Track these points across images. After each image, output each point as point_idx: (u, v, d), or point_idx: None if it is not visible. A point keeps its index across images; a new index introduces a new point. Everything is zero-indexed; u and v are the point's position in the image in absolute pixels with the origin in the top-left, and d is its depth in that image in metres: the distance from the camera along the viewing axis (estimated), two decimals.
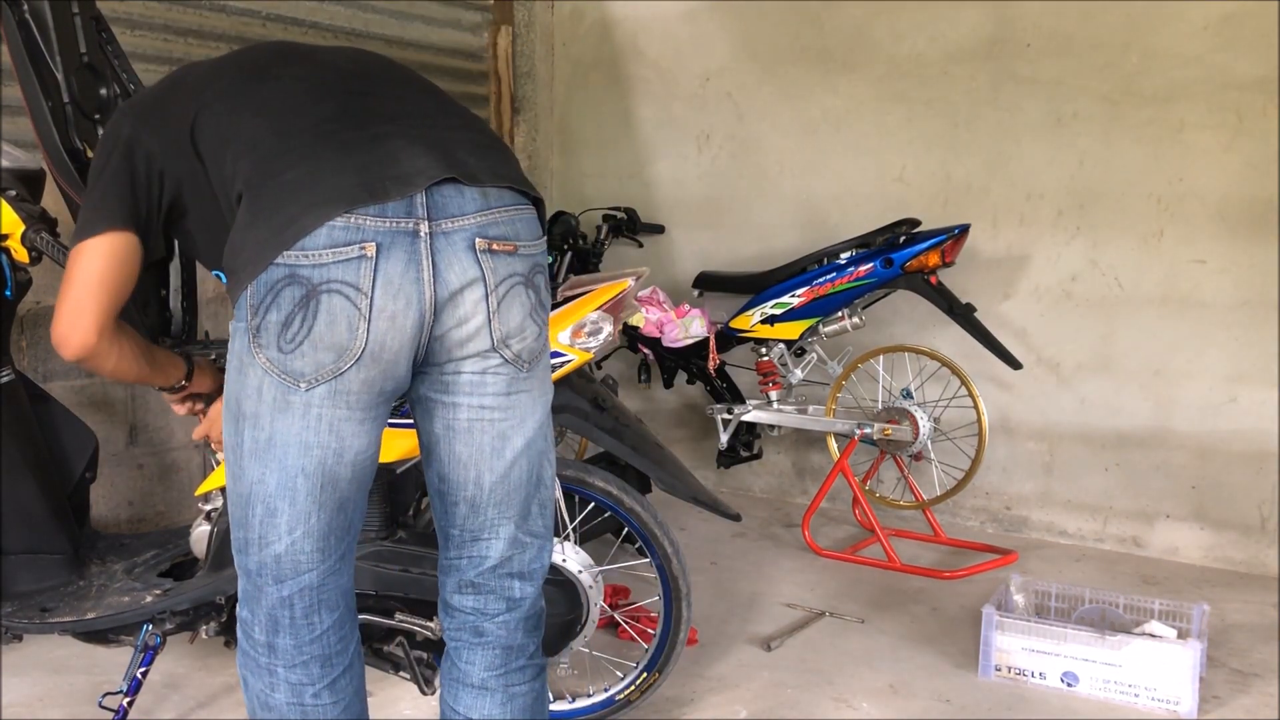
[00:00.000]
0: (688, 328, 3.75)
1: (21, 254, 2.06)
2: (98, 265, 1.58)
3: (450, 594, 1.63)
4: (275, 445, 1.43)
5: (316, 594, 1.51)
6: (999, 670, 2.63)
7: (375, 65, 1.66)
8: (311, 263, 1.37)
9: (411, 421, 1.98)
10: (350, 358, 1.40)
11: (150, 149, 1.60)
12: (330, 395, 1.41)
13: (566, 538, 2.16)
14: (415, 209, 1.40)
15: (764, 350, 3.74)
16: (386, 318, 1.40)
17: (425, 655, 2.17)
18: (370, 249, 1.38)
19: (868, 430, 3.52)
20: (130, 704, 2.17)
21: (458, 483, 1.56)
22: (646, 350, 3.94)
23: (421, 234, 1.40)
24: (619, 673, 2.31)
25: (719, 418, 3.81)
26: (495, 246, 1.46)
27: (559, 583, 2.10)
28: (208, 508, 2.22)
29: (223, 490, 2.16)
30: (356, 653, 1.61)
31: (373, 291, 1.38)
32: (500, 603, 1.62)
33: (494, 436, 1.53)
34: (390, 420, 1.98)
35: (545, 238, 1.57)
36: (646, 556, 2.20)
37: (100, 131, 2.26)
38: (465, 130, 1.56)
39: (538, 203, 1.58)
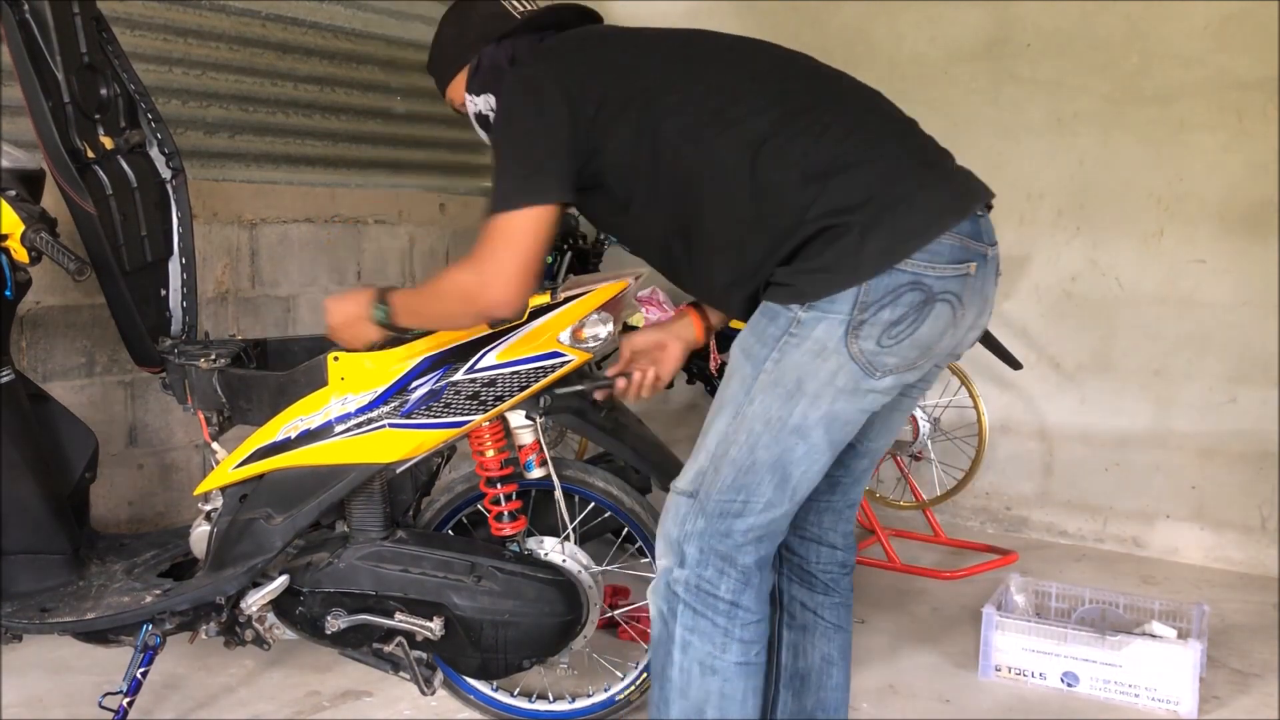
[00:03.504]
0: None
1: (21, 254, 2.06)
2: (543, 236, 1.63)
3: (826, 530, 1.90)
4: (824, 422, 1.60)
5: (778, 555, 1.77)
6: (999, 670, 2.63)
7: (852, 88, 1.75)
8: (936, 274, 1.54)
9: (414, 422, 1.99)
10: (930, 357, 1.61)
11: (591, 122, 1.63)
12: (893, 385, 1.61)
13: (566, 538, 2.16)
14: (984, 234, 1.63)
15: None
16: (966, 327, 1.64)
17: (425, 655, 2.17)
18: (973, 268, 1.59)
19: None
20: (130, 704, 2.17)
21: (875, 446, 1.84)
22: None
23: (989, 256, 1.63)
24: (619, 673, 2.31)
25: None
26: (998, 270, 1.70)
27: (558, 583, 2.10)
28: (208, 508, 2.22)
29: (222, 490, 2.17)
30: None
31: (967, 305, 1.60)
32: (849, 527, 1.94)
33: (902, 412, 1.82)
34: (393, 421, 2.00)
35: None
36: (646, 557, 2.20)
37: (102, 131, 2.26)
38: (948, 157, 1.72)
39: None
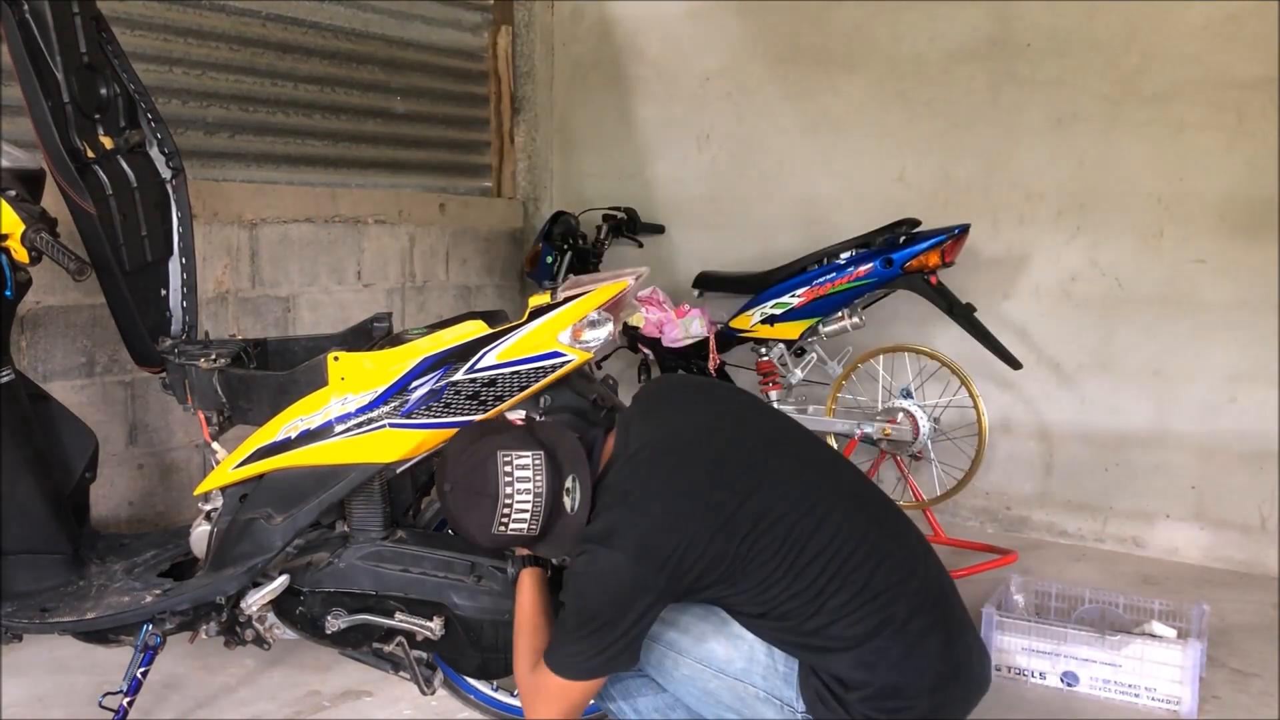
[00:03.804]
0: (688, 328, 3.75)
1: (21, 254, 2.06)
2: (582, 702, 1.77)
3: None
4: None
5: None
6: (999, 670, 2.63)
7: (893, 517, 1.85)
8: None
9: (414, 422, 1.99)
10: None
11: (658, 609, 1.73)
12: None
13: None
14: None
15: (764, 350, 3.74)
16: None
17: (425, 655, 2.16)
18: None
19: (868, 430, 3.52)
20: (130, 704, 2.17)
21: None
22: (646, 350, 3.94)
23: None
24: None
25: None
26: None
27: (558, 582, 2.10)
28: (208, 508, 2.22)
29: (222, 490, 2.16)
30: None
31: None
32: None
33: None
34: (393, 421, 1.99)
35: None
36: None
37: (102, 131, 2.26)
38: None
39: None
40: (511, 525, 1.77)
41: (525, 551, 1.94)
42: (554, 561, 1.97)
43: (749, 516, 1.70)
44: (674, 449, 1.79)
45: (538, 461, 1.77)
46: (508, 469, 1.76)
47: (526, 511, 1.77)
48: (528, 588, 1.91)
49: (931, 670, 1.72)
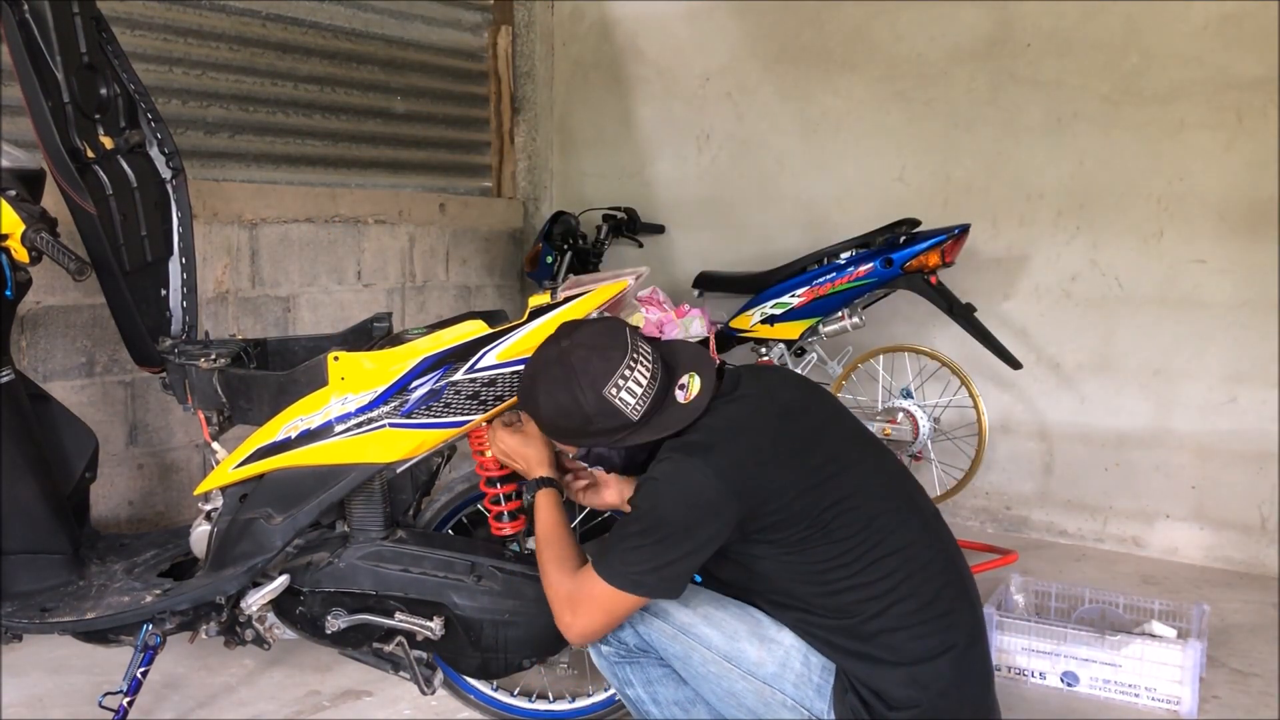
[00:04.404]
0: (688, 328, 3.75)
1: (21, 254, 2.06)
2: (627, 614, 1.76)
3: None
4: None
5: None
6: (999, 670, 2.63)
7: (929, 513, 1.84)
8: None
9: (414, 422, 1.99)
10: None
11: (717, 540, 1.70)
12: None
13: None
14: None
15: (764, 350, 3.74)
16: None
17: (425, 655, 2.16)
18: None
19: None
20: (130, 704, 2.17)
21: None
22: None
23: None
24: None
25: None
26: None
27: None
28: (208, 508, 2.22)
29: (222, 490, 2.16)
30: None
31: None
32: None
33: None
34: (393, 421, 1.99)
35: None
36: None
37: (102, 131, 2.26)
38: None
39: None
40: (624, 390, 1.72)
41: (543, 473, 1.92)
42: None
43: (838, 490, 1.70)
44: (779, 407, 1.79)
45: (658, 353, 1.79)
46: (637, 339, 1.77)
47: (645, 380, 1.73)
48: (546, 506, 1.88)
49: (971, 707, 1.70)
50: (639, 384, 1.73)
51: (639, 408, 1.73)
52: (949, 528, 1.86)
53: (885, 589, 1.67)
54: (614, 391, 1.71)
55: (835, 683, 1.73)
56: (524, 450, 1.94)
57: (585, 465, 1.96)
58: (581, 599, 1.73)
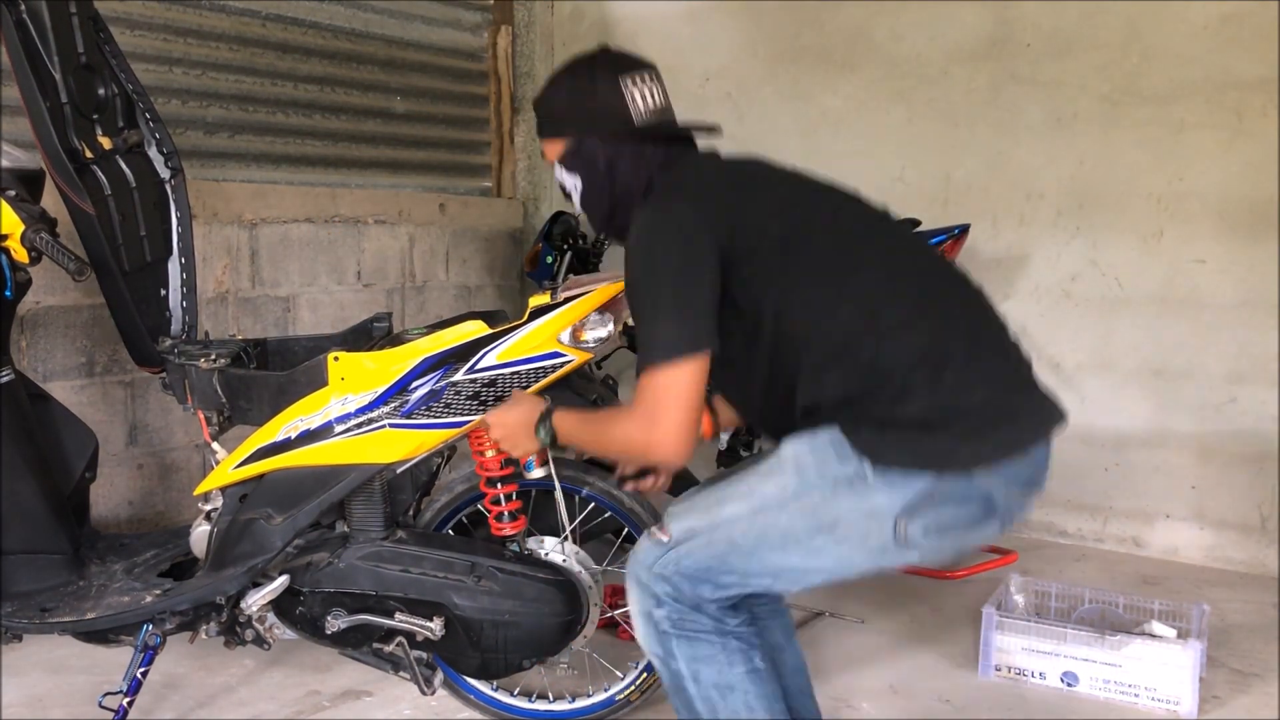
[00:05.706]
0: None
1: (21, 254, 2.06)
2: (704, 384, 1.64)
3: None
4: (836, 561, 1.66)
5: None
6: (999, 670, 2.63)
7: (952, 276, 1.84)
8: (1005, 493, 1.62)
9: (414, 422, 1.99)
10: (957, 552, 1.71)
11: (716, 268, 1.66)
12: (914, 559, 1.65)
13: (566, 538, 2.16)
14: (1048, 461, 1.75)
15: None
16: (978, 541, 1.73)
17: (425, 655, 2.16)
18: (1024, 495, 1.70)
19: None
20: (130, 704, 2.17)
21: None
22: None
23: (1043, 483, 1.74)
24: (619, 672, 2.31)
25: None
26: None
27: (558, 583, 2.10)
28: (208, 508, 2.22)
29: (222, 490, 2.16)
30: None
31: (1011, 522, 1.70)
32: None
33: None
34: (393, 421, 2.00)
35: None
36: None
37: (100, 131, 2.26)
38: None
39: None
40: (638, 92, 1.83)
41: (540, 409, 1.89)
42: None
43: (808, 215, 1.74)
44: (748, 163, 1.90)
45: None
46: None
47: (658, 101, 1.86)
48: (563, 417, 1.84)
49: (993, 408, 1.71)
50: (653, 98, 1.83)
51: (643, 118, 1.80)
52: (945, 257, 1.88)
53: (871, 301, 1.66)
54: (629, 84, 1.80)
55: (840, 435, 1.62)
56: (514, 408, 1.93)
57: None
58: (649, 407, 1.62)
